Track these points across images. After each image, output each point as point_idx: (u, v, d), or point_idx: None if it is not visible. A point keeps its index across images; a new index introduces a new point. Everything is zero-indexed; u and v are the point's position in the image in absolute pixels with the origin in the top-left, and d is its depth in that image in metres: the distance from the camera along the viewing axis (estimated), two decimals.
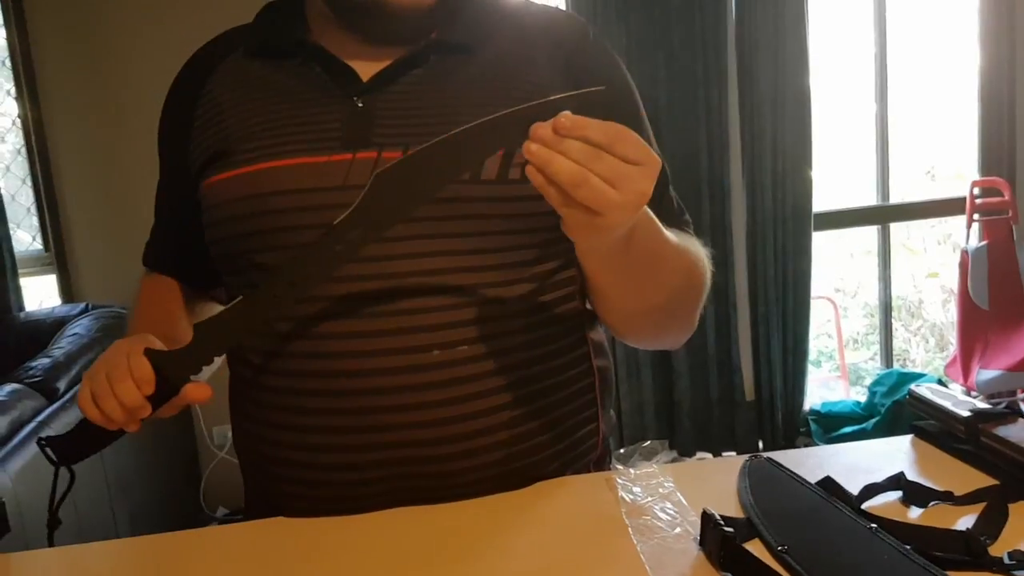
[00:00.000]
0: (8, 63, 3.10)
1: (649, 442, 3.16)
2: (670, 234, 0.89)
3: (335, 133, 0.93)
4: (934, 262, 4.63)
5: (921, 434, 0.96)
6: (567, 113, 0.72)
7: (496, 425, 0.93)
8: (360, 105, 0.95)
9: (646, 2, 3.02)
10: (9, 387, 2.21)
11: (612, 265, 0.87)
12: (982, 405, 0.92)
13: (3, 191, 3.08)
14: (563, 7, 3.01)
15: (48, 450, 0.95)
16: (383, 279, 0.89)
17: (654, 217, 0.84)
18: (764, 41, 3.07)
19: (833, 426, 3.21)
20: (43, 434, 0.95)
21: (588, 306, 1.05)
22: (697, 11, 3.04)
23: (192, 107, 1.02)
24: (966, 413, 0.90)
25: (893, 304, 3.74)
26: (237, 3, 2.99)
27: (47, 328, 2.84)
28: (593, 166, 0.71)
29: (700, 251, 0.97)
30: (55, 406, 2.24)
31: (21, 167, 3.18)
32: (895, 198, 3.51)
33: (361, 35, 0.97)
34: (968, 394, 3.14)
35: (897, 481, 0.83)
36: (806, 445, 3.21)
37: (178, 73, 1.07)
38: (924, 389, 0.99)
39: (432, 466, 0.92)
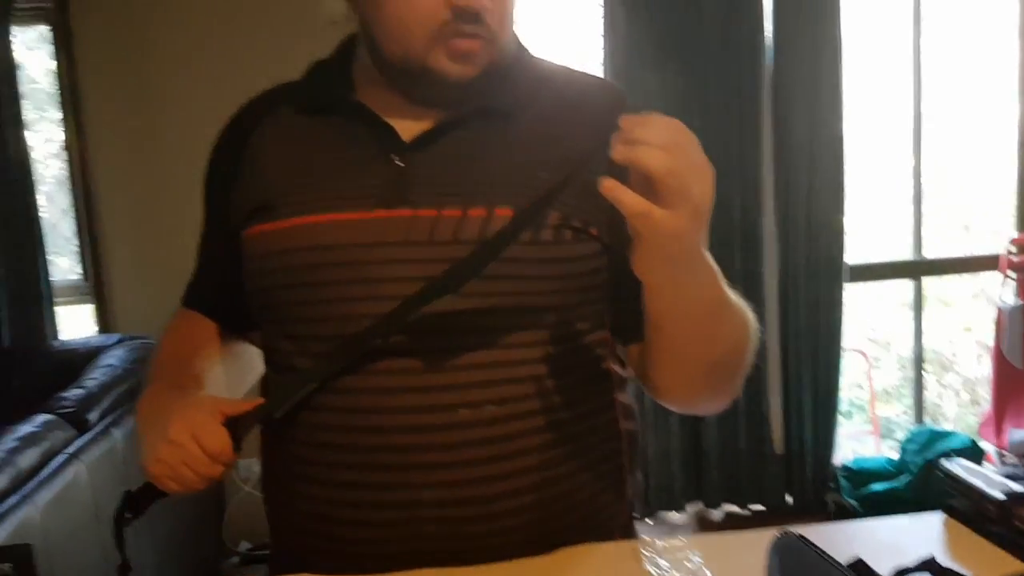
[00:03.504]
0: (56, 93, 3.17)
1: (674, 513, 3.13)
2: (727, 288, 0.90)
3: (373, 191, 0.95)
4: (969, 315, 4.57)
5: (953, 513, 0.95)
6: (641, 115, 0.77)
7: (521, 488, 0.93)
8: (400, 164, 0.96)
9: (682, 51, 3.03)
10: (41, 417, 2.23)
11: (679, 305, 0.87)
12: (1016, 487, 0.90)
13: (45, 220, 3.13)
14: (600, 56, 3.04)
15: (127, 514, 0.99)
16: (412, 336, 0.90)
17: (713, 261, 0.85)
18: (799, 91, 3.07)
19: (863, 482, 3.15)
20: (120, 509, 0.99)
21: (617, 367, 1.05)
22: (733, 61, 3.05)
23: (238, 159, 1.04)
24: (999, 495, 0.89)
25: (926, 357, 3.69)
26: (281, 42, 3.06)
27: (81, 357, 2.87)
28: (676, 152, 0.74)
29: (748, 309, 0.96)
30: (86, 437, 2.26)
31: (64, 197, 3.25)
32: (929, 250, 3.48)
33: (406, 97, 0.98)
34: (1000, 455, 3.09)
35: (928, 564, 0.81)
36: (835, 501, 3.16)
37: (225, 125, 1.10)
38: (956, 466, 0.97)
39: (455, 527, 0.92)
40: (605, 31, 3.03)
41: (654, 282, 0.85)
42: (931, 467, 3.00)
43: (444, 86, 0.96)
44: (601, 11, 3.03)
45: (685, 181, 0.75)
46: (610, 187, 0.76)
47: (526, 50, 1.06)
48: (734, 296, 0.92)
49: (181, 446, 0.90)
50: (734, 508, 3.24)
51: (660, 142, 0.74)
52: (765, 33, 3.05)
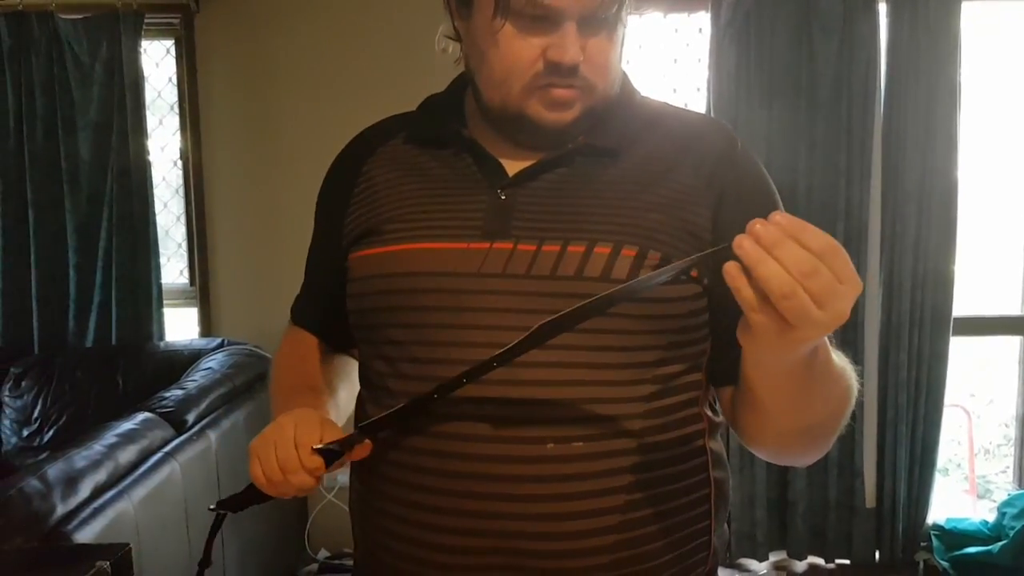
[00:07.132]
0: (176, 103, 3.31)
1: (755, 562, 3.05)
2: (835, 354, 0.87)
3: (476, 222, 0.97)
4: None
5: None
6: (784, 213, 0.71)
7: (605, 527, 0.92)
8: (503, 198, 0.98)
9: (791, 90, 2.98)
10: (141, 415, 2.33)
11: (780, 381, 0.84)
12: None
13: (159, 226, 3.27)
14: (706, 93, 3.02)
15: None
16: (506, 368, 0.91)
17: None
18: (912, 135, 2.98)
19: (957, 544, 3.02)
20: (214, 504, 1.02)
21: (710, 412, 1.03)
22: (844, 103, 2.97)
23: (352, 184, 1.08)
24: None
25: None
26: (396, 62, 3.13)
27: (184, 359, 2.99)
28: (808, 281, 0.69)
29: (852, 372, 0.93)
30: (182, 438, 2.34)
31: (177, 203, 3.38)
32: None
33: (510, 139, 1.01)
34: None
35: None
36: (926, 561, 3.03)
37: (341, 151, 1.14)
38: None
39: (538, 560, 0.92)
40: (711, 64, 3.00)
41: (753, 358, 0.83)
42: None
43: (541, 132, 0.98)
44: (708, 44, 3.01)
45: (803, 307, 0.69)
46: (732, 275, 0.71)
47: (635, 90, 1.06)
48: (838, 360, 0.89)
49: (279, 447, 0.93)
50: (819, 561, 3.13)
51: (795, 268, 0.69)
52: (880, 74, 2.98)
